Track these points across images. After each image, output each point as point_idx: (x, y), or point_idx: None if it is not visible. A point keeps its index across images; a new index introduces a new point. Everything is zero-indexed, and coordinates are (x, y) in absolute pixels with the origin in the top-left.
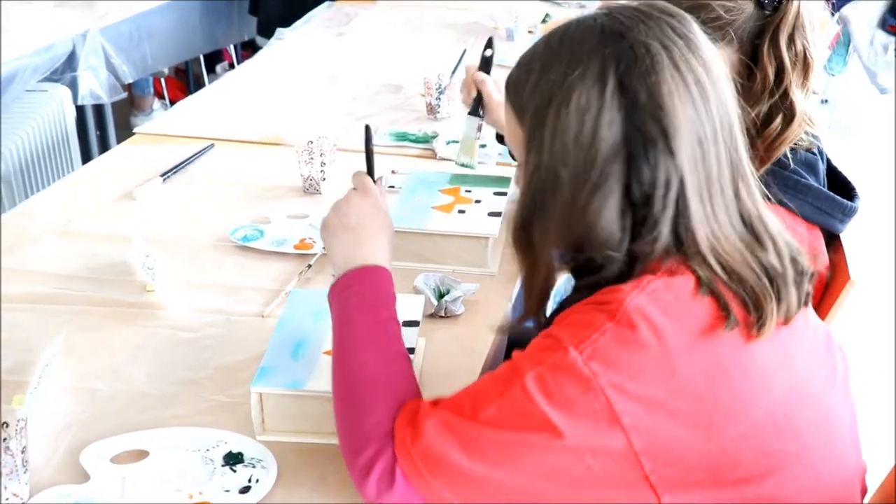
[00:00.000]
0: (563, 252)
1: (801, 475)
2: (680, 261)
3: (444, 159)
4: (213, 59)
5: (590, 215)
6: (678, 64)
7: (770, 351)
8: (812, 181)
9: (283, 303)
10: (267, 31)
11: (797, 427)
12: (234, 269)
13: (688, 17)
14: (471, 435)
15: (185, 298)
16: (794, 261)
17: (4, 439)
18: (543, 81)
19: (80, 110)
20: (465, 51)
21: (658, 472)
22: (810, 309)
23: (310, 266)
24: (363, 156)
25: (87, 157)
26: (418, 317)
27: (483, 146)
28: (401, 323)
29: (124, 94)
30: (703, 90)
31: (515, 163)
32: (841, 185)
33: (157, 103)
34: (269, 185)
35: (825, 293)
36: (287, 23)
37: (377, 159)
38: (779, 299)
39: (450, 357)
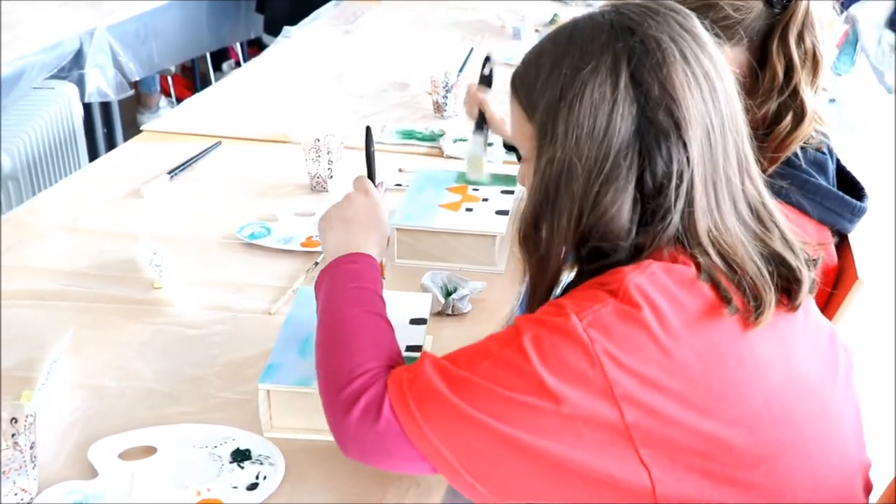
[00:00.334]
0: (572, 244)
1: (795, 464)
2: (681, 250)
3: (451, 157)
4: (220, 57)
5: (602, 207)
6: (688, 57)
7: (769, 342)
8: (821, 180)
9: (290, 300)
10: (274, 30)
11: (794, 417)
12: (242, 267)
13: (691, 13)
14: (464, 383)
15: (193, 295)
16: (799, 249)
17: (13, 435)
18: (554, 77)
19: (87, 108)
20: (471, 49)
21: (649, 448)
22: (813, 305)
23: (317, 263)
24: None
25: (93, 154)
26: (426, 315)
27: (490, 145)
28: (408, 321)
29: (131, 92)
30: (712, 83)
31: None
32: (850, 185)
33: (163, 101)
34: (277, 183)
35: (833, 292)
36: (294, 21)
37: (384, 157)
38: (783, 289)
39: None
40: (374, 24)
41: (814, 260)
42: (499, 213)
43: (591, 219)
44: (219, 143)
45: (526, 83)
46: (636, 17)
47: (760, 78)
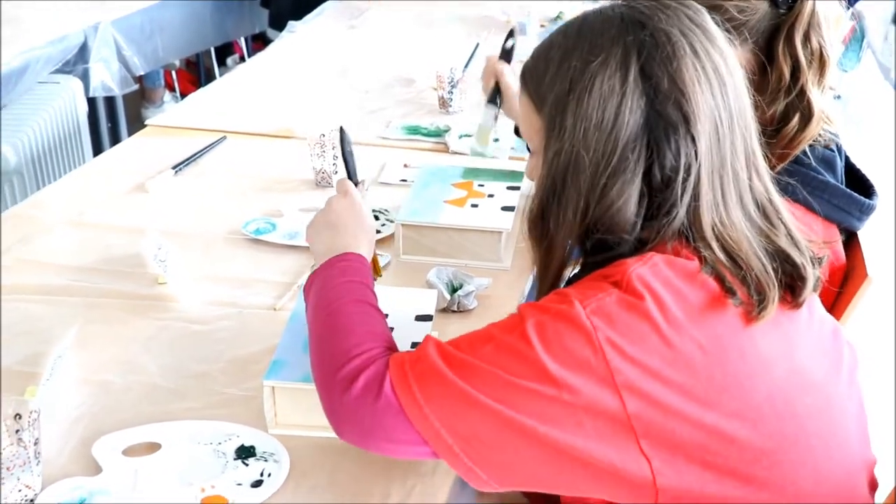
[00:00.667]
0: (577, 236)
1: (798, 459)
2: (684, 244)
3: (456, 153)
4: (224, 51)
5: (608, 199)
6: (697, 51)
7: (771, 336)
8: (829, 178)
9: (295, 296)
10: (278, 24)
11: (797, 412)
12: (247, 262)
13: (702, 8)
14: (467, 366)
15: (198, 291)
16: (805, 246)
17: (17, 431)
18: (564, 69)
19: (92, 102)
20: (477, 45)
21: (650, 439)
22: (817, 301)
23: None
24: (374, 148)
25: (98, 149)
26: (431, 311)
27: (496, 140)
28: (414, 317)
29: (135, 87)
30: (721, 77)
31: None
32: (859, 182)
33: (167, 95)
34: (281, 178)
35: (842, 290)
36: (298, 15)
37: (389, 153)
38: (787, 286)
39: None
40: (380, 20)
41: (819, 258)
42: (504, 209)
43: (598, 211)
44: (223, 138)
45: (535, 76)
46: (647, 11)
47: (767, 78)
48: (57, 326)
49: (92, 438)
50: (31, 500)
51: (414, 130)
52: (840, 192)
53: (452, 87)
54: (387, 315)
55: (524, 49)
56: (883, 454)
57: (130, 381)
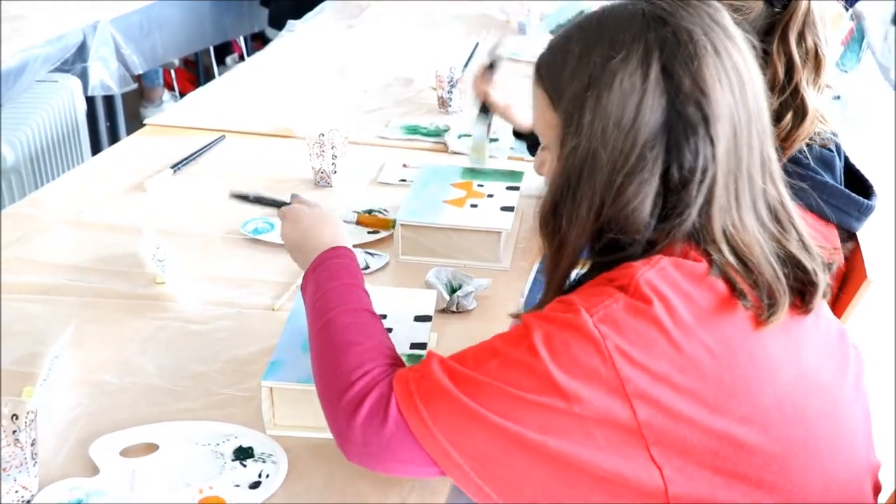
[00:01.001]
0: (590, 235)
1: (806, 463)
2: (693, 246)
3: (456, 153)
4: (224, 50)
5: (624, 199)
6: (719, 50)
7: (780, 341)
8: (828, 178)
9: (293, 296)
10: (278, 23)
11: (805, 416)
12: (245, 262)
13: (721, 6)
14: (473, 383)
15: (196, 291)
16: (816, 252)
17: (14, 431)
18: (583, 65)
19: (91, 101)
20: (477, 44)
21: (660, 446)
22: (824, 304)
23: None
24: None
25: (96, 148)
26: (430, 312)
27: (495, 140)
28: (413, 318)
29: (134, 86)
30: (741, 78)
31: (529, 157)
32: (858, 183)
33: (166, 94)
34: (280, 178)
35: (842, 291)
36: (298, 15)
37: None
38: (797, 292)
39: None
40: (379, 19)
41: (829, 263)
42: (504, 209)
43: (612, 210)
44: (222, 138)
45: (552, 70)
46: (668, 8)
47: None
48: (54, 326)
49: (89, 439)
50: (28, 501)
51: (413, 130)
52: (838, 192)
53: (452, 86)
54: (385, 316)
55: (524, 49)
56: (883, 455)
57: (128, 382)
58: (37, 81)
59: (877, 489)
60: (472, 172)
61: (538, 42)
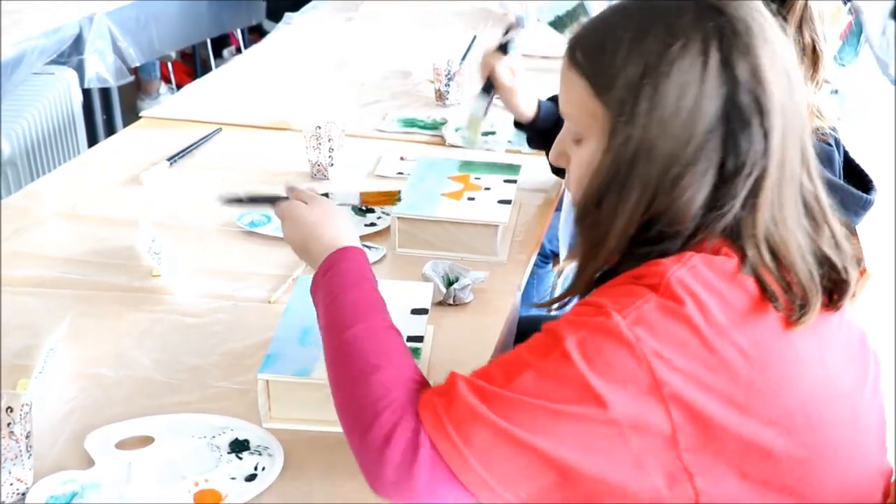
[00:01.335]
0: (636, 226)
1: (827, 469)
2: (727, 241)
3: (453, 146)
4: (221, 43)
5: (679, 190)
6: (770, 41)
7: (807, 342)
8: (827, 172)
9: (290, 289)
10: (275, 16)
11: (827, 421)
12: (241, 255)
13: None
14: (506, 401)
15: (192, 283)
16: (847, 248)
17: (9, 424)
18: (636, 52)
19: (87, 94)
20: (474, 37)
21: (692, 452)
22: (848, 305)
23: None
24: (370, 140)
25: (93, 140)
26: (427, 305)
27: (493, 133)
28: (409, 311)
29: (131, 78)
30: (788, 71)
31: (527, 150)
32: (857, 177)
33: (163, 87)
34: (277, 171)
35: None
36: (295, 7)
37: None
38: (827, 290)
39: (458, 345)
40: (376, 11)
41: (858, 259)
42: (501, 202)
43: (664, 202)
44: (219, 130)
45: (598, 57)
46: None
47: None
48: (50, 319)
49: (84, 432)
50: (23, 494)
51: (410, 123)
52: (836, 186)
53: (449, 79)
54: None
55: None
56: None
57: (123, 375)
58: (33, 74)
59: (886, 494)
60: (470, 165)
61: (536, 35)
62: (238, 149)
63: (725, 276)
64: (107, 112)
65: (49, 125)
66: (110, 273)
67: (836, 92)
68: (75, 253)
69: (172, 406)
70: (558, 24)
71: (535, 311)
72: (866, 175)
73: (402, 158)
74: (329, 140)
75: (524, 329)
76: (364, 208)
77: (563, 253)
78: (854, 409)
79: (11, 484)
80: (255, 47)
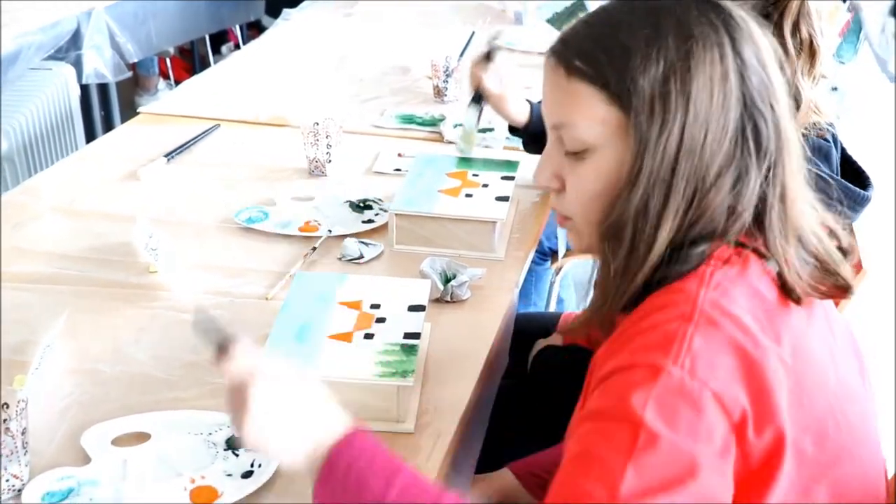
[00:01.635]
0: (675, 231)
1: (851, 472)
2: (748, 235)
3: (451, 142)
4: (219, 39)
5: (721, 183)
6: (763, 34)
7: (819, 344)
8: (824, 168)
9: (287, 285)
10: (274, 12)
11: (849, 421)
12: (239, 251)
13: None
14: None
15: (189, 280)
16: (845, 236)
17: (5, 420)
18: (654, 53)
19: (85, 89)
20: (473, 33)
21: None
22: (830, 303)
23: (315, 249)
24: (368, 136)
25: (91, 136)
26: (424, 301)
27: (491, 130)
28: (406, 308)
29: (129, 74)
30: (779, 57)
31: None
32: (854, 174)
33: (161, 83)
34: (275, 167)
35: None
36: (294, 3)
37: (384, 142)
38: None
39: (456, 342)
40: (375, 7)
41: (849, 251)
42: (499, 199)
43: (707, 200)
44: (217, 126)
45: (608, 62)
46: None
47: None
48: (46, 315)
49: (81, 428)
50: (19, 491)
51: (408, 119)
52: (834, 182)
53: (447, 75)
54: (379, 305)
55: (520, 38)
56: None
57: (120, 371)
58: (30, 69)
59: (886, 486)
60: (468, 162)
61: (535, 32)
62: (236, 145)
63: (746, 284)
64: (104, 108)
65: (47, 121)
66: (107, 269)
67: (836, 89)
68: (72, 249)
69: (169, 402)
70: (556, 21)
71: (532, 309)
72: (864, 171)
73: (399, 155)
74: (327, 136)
75: (521, 326)
76: (361, 204)
77: (561, 251)
78: (864, 407)
79: (7, 480)
80: (253, 43)
